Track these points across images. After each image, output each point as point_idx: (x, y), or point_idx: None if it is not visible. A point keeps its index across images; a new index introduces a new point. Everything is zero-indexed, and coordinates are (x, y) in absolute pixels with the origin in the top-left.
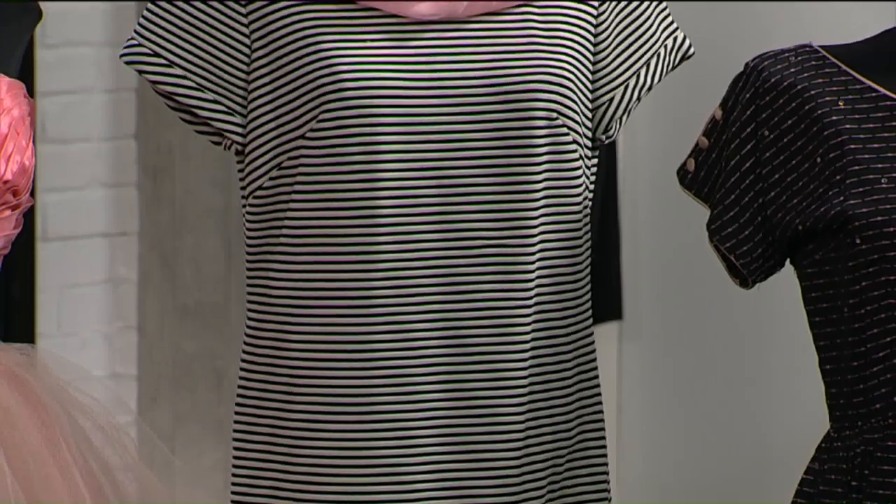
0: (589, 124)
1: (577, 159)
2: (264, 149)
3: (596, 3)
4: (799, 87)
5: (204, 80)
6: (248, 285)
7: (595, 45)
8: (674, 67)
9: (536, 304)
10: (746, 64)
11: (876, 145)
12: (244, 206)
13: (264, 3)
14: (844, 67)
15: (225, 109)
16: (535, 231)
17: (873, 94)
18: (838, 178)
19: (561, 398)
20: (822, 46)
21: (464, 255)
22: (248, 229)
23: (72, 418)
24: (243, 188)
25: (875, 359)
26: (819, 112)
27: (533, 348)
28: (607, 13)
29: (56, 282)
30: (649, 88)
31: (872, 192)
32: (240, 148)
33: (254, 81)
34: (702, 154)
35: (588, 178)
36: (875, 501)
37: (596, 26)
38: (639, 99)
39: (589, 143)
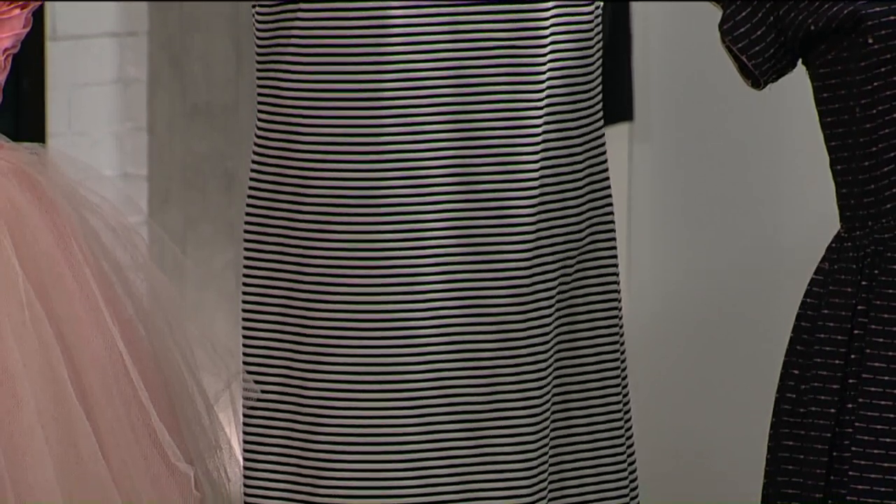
0: None
1: None
2: None
3: None
4: None
5: None
6: (259, 86)
7: None
8: None
9: (548, 104)
10: None
11: None
12: (254, 6)
13: None
14: None
15: None
16: (547, 31)
17: None
18: None
19: (571, 199)
20: None
21: (473, 49)
22: (258, 29)
23: (82, 217)
24: None
25: (886, 159)
26: None
27: (544, 150)
28: None
29: (66, 81)
30: None
31: None
32: None
33: None
34: None
35: None
36: (884, 300)
37: None
38: None
39: None
